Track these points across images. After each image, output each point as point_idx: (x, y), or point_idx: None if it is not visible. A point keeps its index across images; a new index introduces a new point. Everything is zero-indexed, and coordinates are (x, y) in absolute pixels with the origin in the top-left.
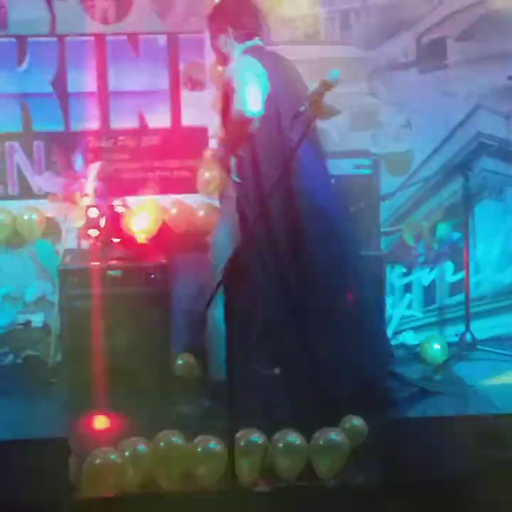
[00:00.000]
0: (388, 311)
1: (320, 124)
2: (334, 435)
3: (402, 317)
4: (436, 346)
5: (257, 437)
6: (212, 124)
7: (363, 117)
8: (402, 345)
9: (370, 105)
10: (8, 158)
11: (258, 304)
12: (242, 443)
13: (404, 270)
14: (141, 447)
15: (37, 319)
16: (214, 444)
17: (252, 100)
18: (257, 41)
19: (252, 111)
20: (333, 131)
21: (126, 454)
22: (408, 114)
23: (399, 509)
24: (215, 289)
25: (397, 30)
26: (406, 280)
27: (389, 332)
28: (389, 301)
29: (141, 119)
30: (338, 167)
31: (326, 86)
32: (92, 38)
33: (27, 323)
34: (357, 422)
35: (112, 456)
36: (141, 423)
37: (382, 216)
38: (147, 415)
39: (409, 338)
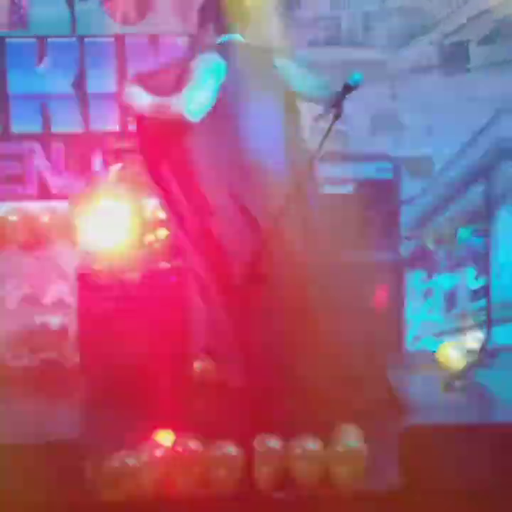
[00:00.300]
0: (409, 316)
1: (341, 126)
2: (353, 442)
3: (423, 322)
4: (457, 352)
5: (274, 443)
6: None
7: (385, 121)
8: (423, 351)
9: (391, 109)
10: (28, 159)
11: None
12: (260, 448)
13: (426, 275)
14: (159, 452)
15: (54, 321)
16: (231, 449)
17: (194, 102)
18: (233, 36)
19: (191, 113)
20: (354, 134)
21: (144, 457)
22: (430, 117)
23: None
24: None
25: (419, 33)
26: (427, 285)
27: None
28: (409, 306)
29: None
30: (359, 171)
31: (348, 88)
32: (112, 38)
33: (44, 325)
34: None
35: (129, 460)
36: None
37: (403, 220)
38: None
39: (429, 343)
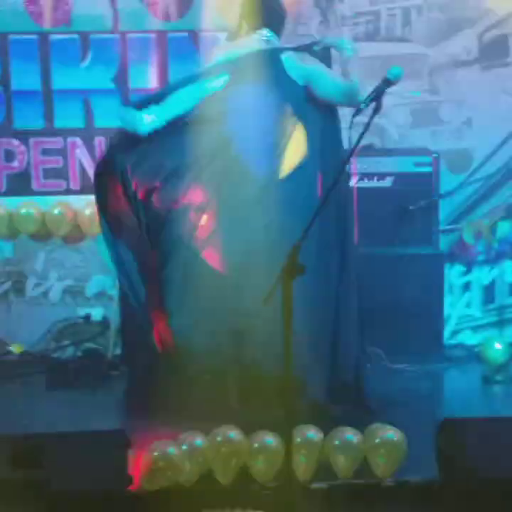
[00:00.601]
0: (446, 310)
1: (378, 120)
2: (391, 434)
3: (461, 316)
4: (498, 346)
5: (313, 434)
6: None
7: (424, 114)
8: (460, 345)
9: (430, 102)
10: (70, 154)
11: None
12: (298, 439)
13: (464, 269)
14: (199, 441)
15: (97, 313)
16: (270, 440)
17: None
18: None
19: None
20: (393, 128)
21: (184, 447)
22: (469, 111)
23: (456, 509)
24: (274, 284)
25: (458, 27)
26: (465, 279)
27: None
28: (447, 300)
29: None
30: (398, 164)
31: (387, 83)
32: (154, 34)
33: (87, 317)
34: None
35: (170, 450)
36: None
37: (442, 214)
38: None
39: (467, 337)
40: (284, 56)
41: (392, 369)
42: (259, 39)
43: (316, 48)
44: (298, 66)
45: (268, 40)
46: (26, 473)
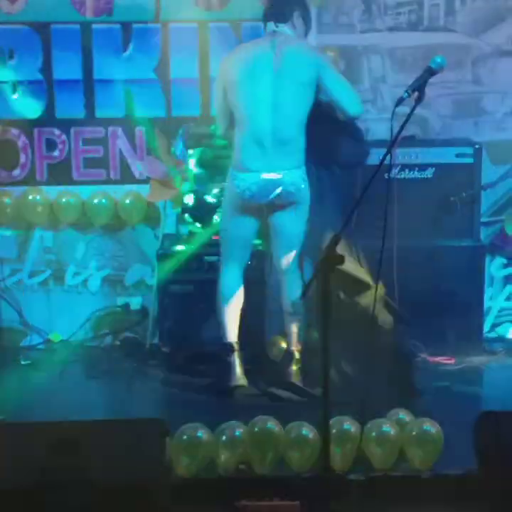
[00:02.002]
0: (487, 302)
1: (420, 111)
2: (428, 426)
3: (501, 309)
4: None
5: (349, 425)
6: None
7: (466, 105)
8: (500, 338)
9: (473, 93)
10: (111, 143)
11: None
12: (334, 430)
13: (505, 261)
14: (237, 432)
15: (135, 302)
16: (306, 431)
17: None
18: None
19: None
20: (435, 118)
21: (223, 437)
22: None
23: (492, 502)
24: (312, 278)
25: (502, 16)
26: (506, 271)
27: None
28: (488, 292)
29: None
30: (440, 155)
31: (430, 72)
32: (196, 24)
33: (126, 306)
34: (403, 415)
35: (208, 439)
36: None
37: (483, 206)
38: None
39: (507, 330)
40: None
41: (431, 361)
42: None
43: None
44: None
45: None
46: (64, 461)
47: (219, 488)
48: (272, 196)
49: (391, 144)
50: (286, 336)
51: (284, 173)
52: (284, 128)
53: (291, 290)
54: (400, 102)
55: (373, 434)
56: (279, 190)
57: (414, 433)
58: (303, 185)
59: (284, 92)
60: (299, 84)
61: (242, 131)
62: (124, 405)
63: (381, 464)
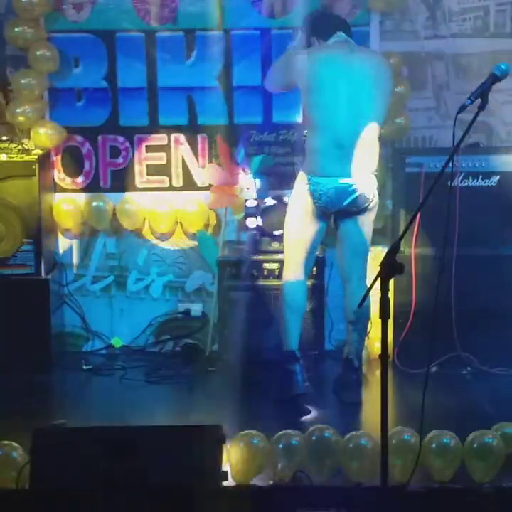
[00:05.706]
0: None
1: (485, 118)
2: (490, 438)
3: None
4: None
5: (409, 436)
6: None
7: None
8: None
9: None
10: (174, 151)
11: None
12: (393, 441)
13: None
14: (294, 441)
15: (196, 308)
16: (365, 441)
17: None
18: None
19: None
20: (500, 126)
21: (280, 446)
22: None
23: None
24: (372, 284)
25: None
26: None
27: None
28: None
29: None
30: (504, 163)
31: (494, 79)
32: (258, 31)
33: (186, 312)
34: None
35: (265, 446)
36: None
37: None
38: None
39: None
40: None
41: (488, 372)
42: None
43: None
44: None
45: None
46: (123, 465)
47: (275, 496)
48: (347, 201)
49: (453, 151)
50: (347, 344)
51: (361, 178)
52: (363, 133)
53: (354, 298)
54: (462, 108)
55: (433, 445)
56: (356, 195)
57: (475, 445)
58: (375, 192)
59: (363, 98)
60: (376, 90)
61: (322, 135)
62: (183, 411)
63: (441, 476)
